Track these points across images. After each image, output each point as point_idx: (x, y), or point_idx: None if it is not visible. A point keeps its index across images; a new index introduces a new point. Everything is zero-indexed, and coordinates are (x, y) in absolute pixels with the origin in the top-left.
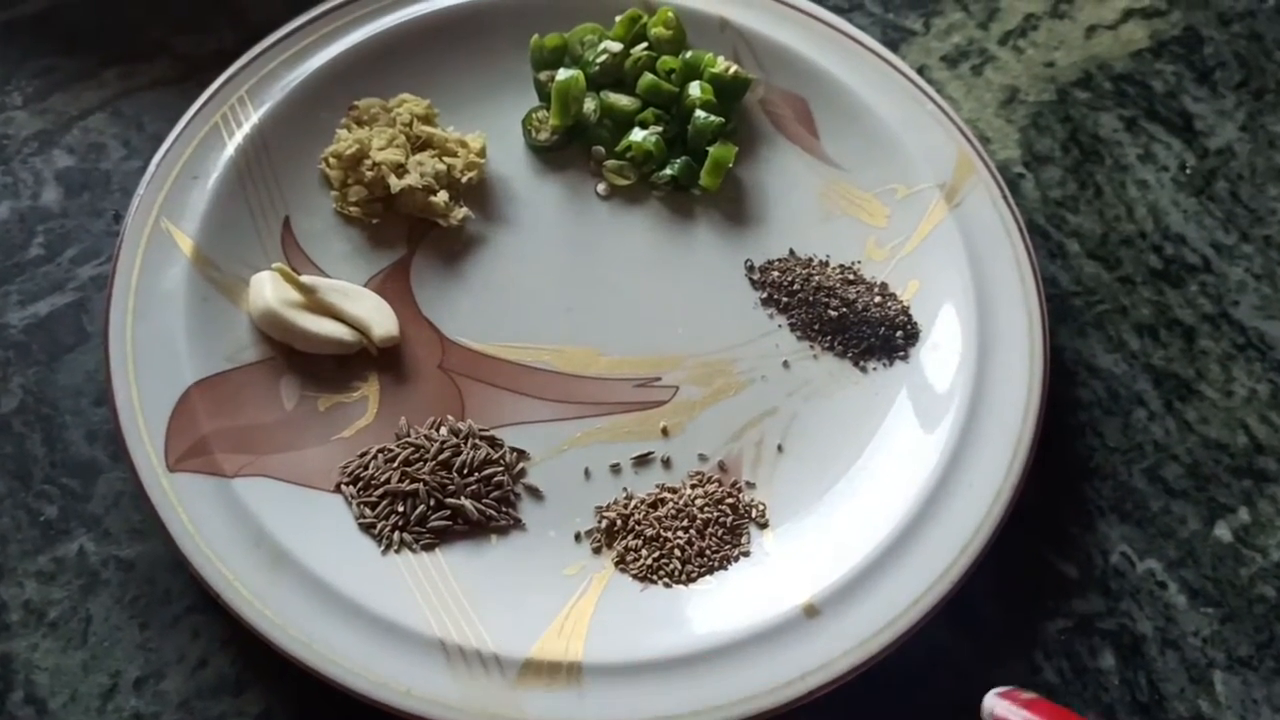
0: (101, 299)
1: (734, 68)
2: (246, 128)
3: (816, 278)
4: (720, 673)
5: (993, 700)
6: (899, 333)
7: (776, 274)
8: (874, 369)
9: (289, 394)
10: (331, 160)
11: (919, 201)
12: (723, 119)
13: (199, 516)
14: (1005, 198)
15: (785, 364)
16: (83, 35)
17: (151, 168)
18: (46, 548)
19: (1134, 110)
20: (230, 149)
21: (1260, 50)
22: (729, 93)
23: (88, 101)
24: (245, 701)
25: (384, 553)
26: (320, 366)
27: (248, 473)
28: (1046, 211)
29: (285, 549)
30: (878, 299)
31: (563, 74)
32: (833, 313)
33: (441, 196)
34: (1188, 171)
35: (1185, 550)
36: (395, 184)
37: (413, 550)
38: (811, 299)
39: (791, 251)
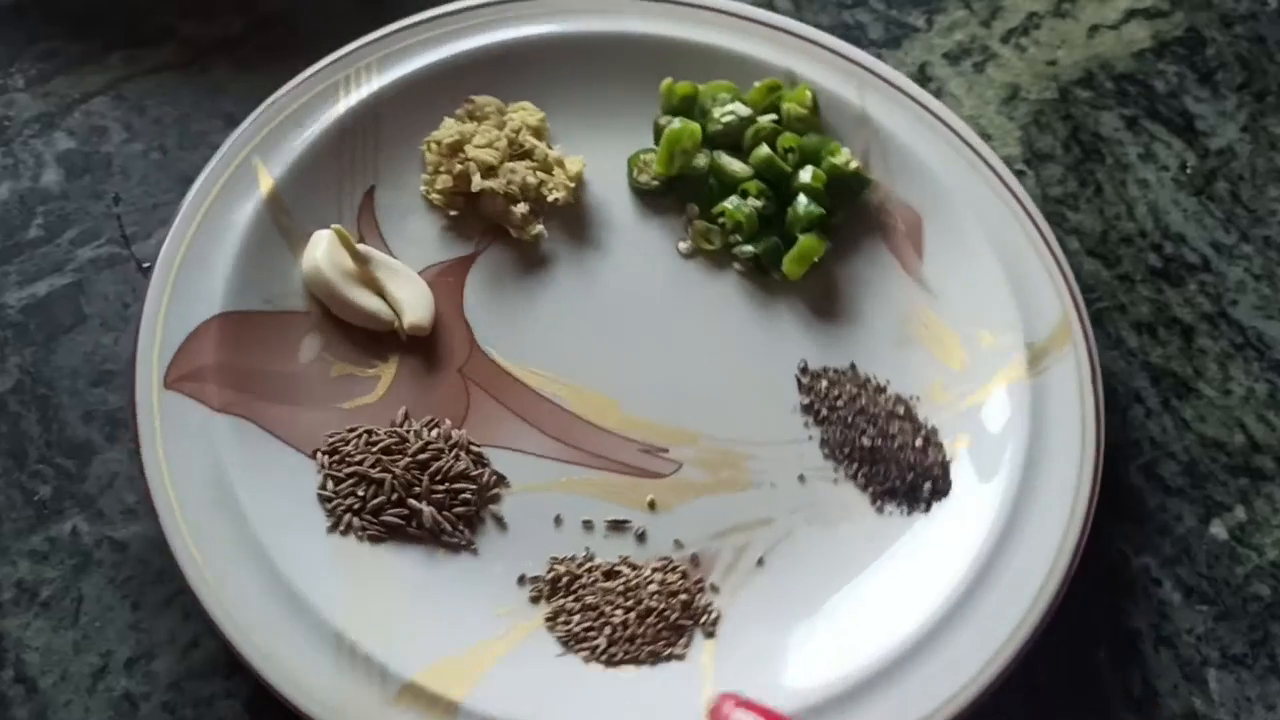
0: (100, 280)
1: (855, 163)
2: (364, 93)
3: (864, 400)
4: None
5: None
6: (928, 484)
7: (826, 384)
8: (890, 512)
9: (308, 350)
10: (431, 145)
11: (1000, 355)
12: (823, 210)
13: (173, 437)
14: (1094, 377)
15: (801, 478)
16: (87, 19)
17: (262, 107)
18: (40, 527)
19: (1135, 110)
20: (341, 108)
21: (1262, 52)
22: (842, 187)
23: (90, 85)
24: (235, 683)
25: (330, 529)
26: (347, 335)
27: (232, 411)
28: (1046, 209)
29: (235, 493)
30: (919, 443)
31: (676, 124)
32: (867, 441)
33: (521, 208)
34: (1188, 171)
35: (1181, 548)
36: (476, 183)
37: (358, 536)
38: (851, 420)
39: (853, 366)
